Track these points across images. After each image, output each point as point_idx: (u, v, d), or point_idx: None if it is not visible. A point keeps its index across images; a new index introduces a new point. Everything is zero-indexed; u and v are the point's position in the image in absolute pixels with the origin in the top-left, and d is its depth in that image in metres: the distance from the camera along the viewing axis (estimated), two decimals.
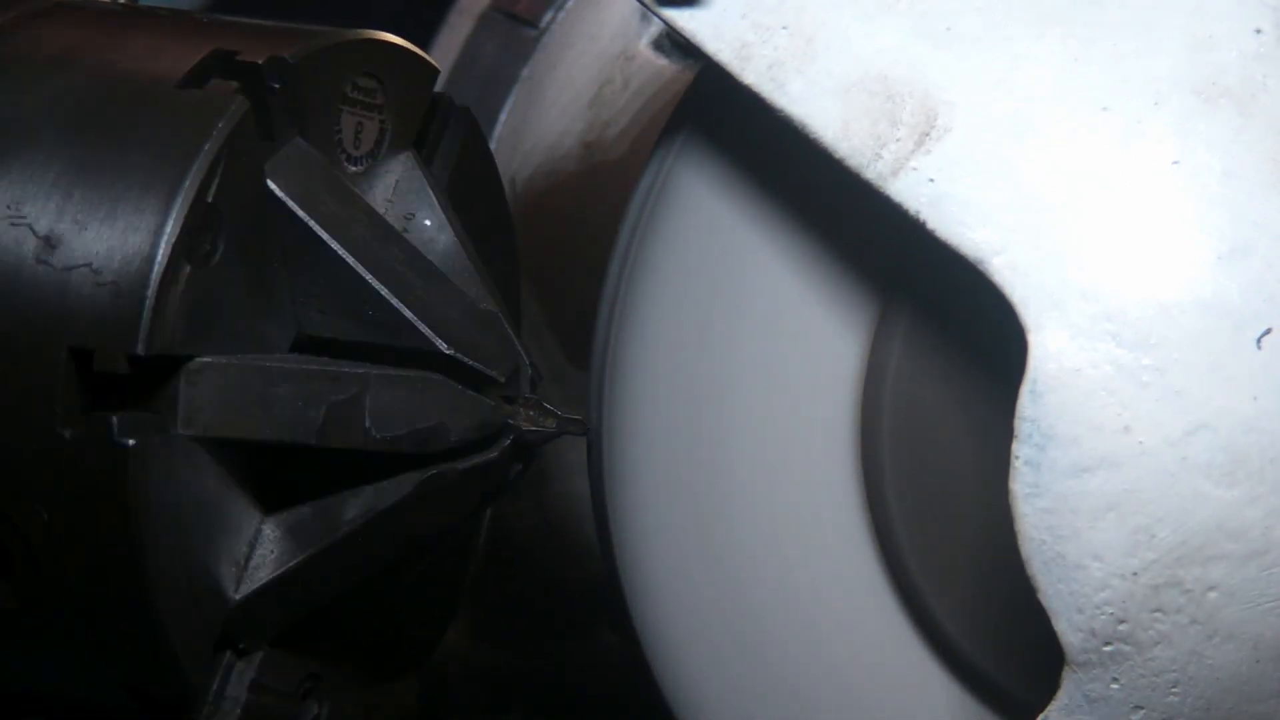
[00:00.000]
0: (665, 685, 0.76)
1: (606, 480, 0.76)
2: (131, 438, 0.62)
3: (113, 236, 0.63)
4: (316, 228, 0.67)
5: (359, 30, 0.72)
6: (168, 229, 0.63)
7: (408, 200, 0.73)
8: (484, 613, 1.11)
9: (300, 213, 0.67)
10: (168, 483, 0.64)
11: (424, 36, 1.18)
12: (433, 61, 0.76)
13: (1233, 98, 0.62)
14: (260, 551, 0.69)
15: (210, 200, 0.64)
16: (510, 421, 0.68)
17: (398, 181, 0.74)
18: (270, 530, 0.69)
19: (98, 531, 0.63)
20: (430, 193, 0.73)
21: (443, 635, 0.81)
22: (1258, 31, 0.63)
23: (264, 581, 0.69)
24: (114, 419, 0.62)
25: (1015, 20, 0.64)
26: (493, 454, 0.68)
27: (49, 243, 0.63)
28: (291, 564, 0.69)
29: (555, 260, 1.07)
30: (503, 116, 1.11)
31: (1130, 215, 0.61)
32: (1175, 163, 0.61)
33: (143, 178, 0.64)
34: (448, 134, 0.77)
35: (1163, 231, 0.61)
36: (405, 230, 0.73)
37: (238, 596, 0.68)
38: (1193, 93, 0.62)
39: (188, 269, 0.63)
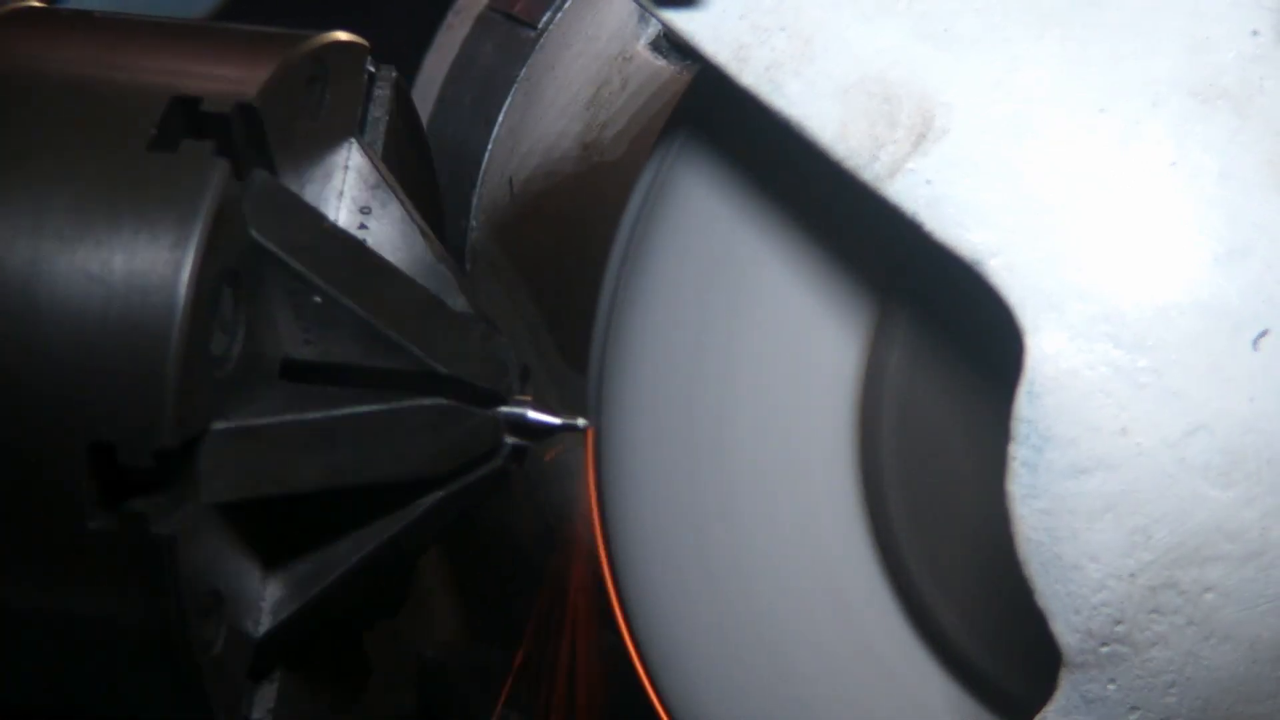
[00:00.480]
0: (663, 686, 0.76)
1: (604, 481, 0.76)
2: (167, 529, 0.61)
3: (125, 325, 0.61)
4: (302, 269, 0.66)
5: (299, 35, 0.70)
6: (181, 312, 0.61)
7: (361, 193, 0.73)
8: (482, 613, 1.11)
9: (285, 256, 0.66)
10: (197, 554, 0.64)
11: (422, 37, 1.18)
12: (363, 42, 0.75)
13: (1230, 99, 0.62)
14: (271, 591, 0.69)
15: (208, 266, 0.62)
16: (509, 424, 0.68)
17: (347, 172, 0.73)
18: (278, 575, 0.69)
19: (138, 616, 0.63)
20: (384, 182, 0.73)
21: (394, 638, 0.81)
22: (1255, 33, 0.63)
23: (278, 621, 0.69)
24: (147, 510, 0.61)
25: (1013, 22, 0.64)
26: (496, 463, 0.68)
27: (63, 334, 0.62)
28: (303, 601, 0.69)
29: (553, 261, 1.07)
30: (500, 117, 1.11)
31: (1128, 217, 0.61)
32: (1173, 164, 0.61)
33: (146, 260, 0.61)
34: (375, 98, 0.76)
35: (1160, 233, 0.61)
36: (363, 225, 0.73)
37: (258, 635, 0.68)
38: (1190, 94, 0.62)
39: (203, 348, 0.62)
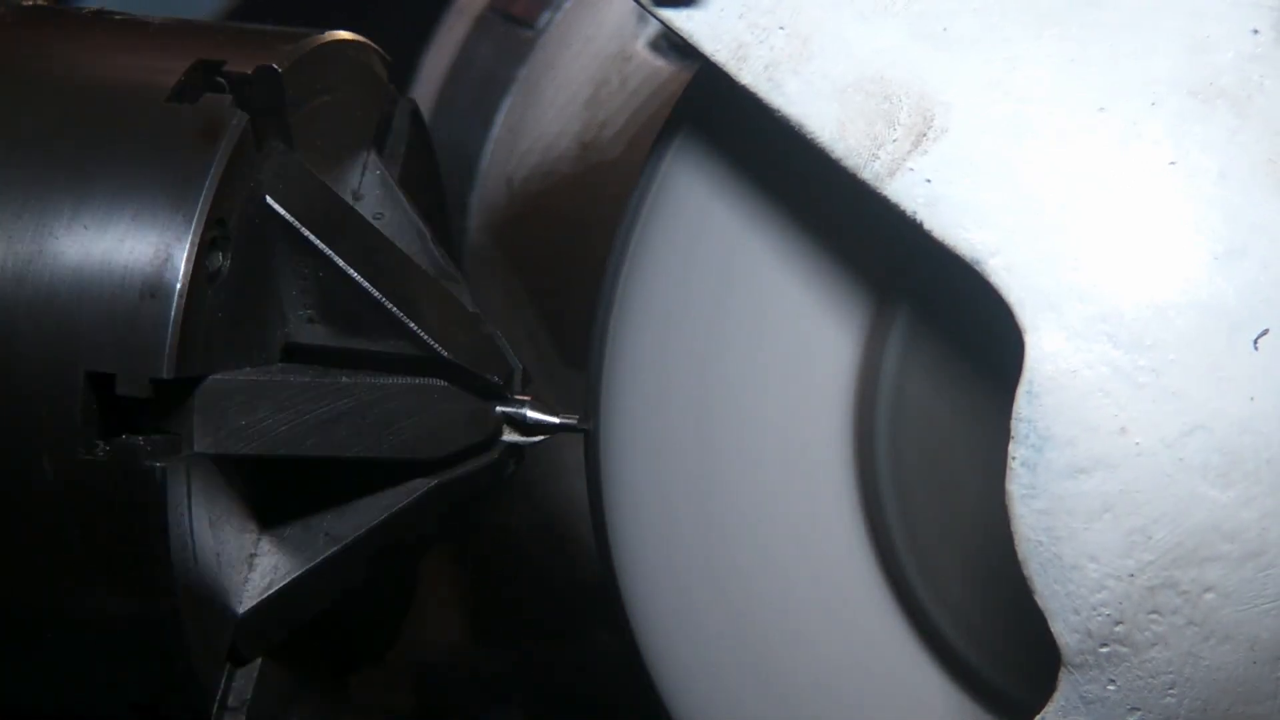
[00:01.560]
0: (661, 686, 0.76)
1: (603, 481, 0.76)
2: (158, 461, 0.62)
3: (127, 258, 0.63)
4: (313, 239, 0.67)
5: (313, 31, 0.71)
6: (185, 251, 0.62)
7: (374, 200, 0.74)
8: (481, 614, 1.11)
9: (297, 224, 0.67)
10: (185, 501, 0.64)
11: (421, 37, 1.18)
12: (383, 53, 0.76)
13: (1229, 99, 0.62)
14: (262, 563, 0.69)
15: (221, 219, 0.64)
16: (507, 422, 0.68)
17: (363, 181, 0.74)
18: (272, 542, 0.69)
19: (122, 551, 0.63)
20: (397, 192, 0.73)
21: (400, 629, 0.82)
22: (1255, 32, 0.63)
23: (268, 594, 0.69)
24: (140, 441, 0.62)
25: (1012, 21, 0.64)
26: (493, 456, 0.68)
27: (63, 268, 0.63)
28: (296, 575, 0.69)
29: (552, 261, 1.07)
30: (499, 117, 1.11)
31: (1127, 216, 0.61)
32: (1172, 164, 0.61)
33: (154, 199, 0.63)
34: (395, 129, 0.77)
35: (1159, 233, 0.61)
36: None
37: (242, 610, 0.68)
38: (1190, 94, 0.62)
39: (205, 289, 0.63)
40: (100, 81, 0.67)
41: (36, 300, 0.63)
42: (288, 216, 0.67)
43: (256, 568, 0.69)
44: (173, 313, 0.62)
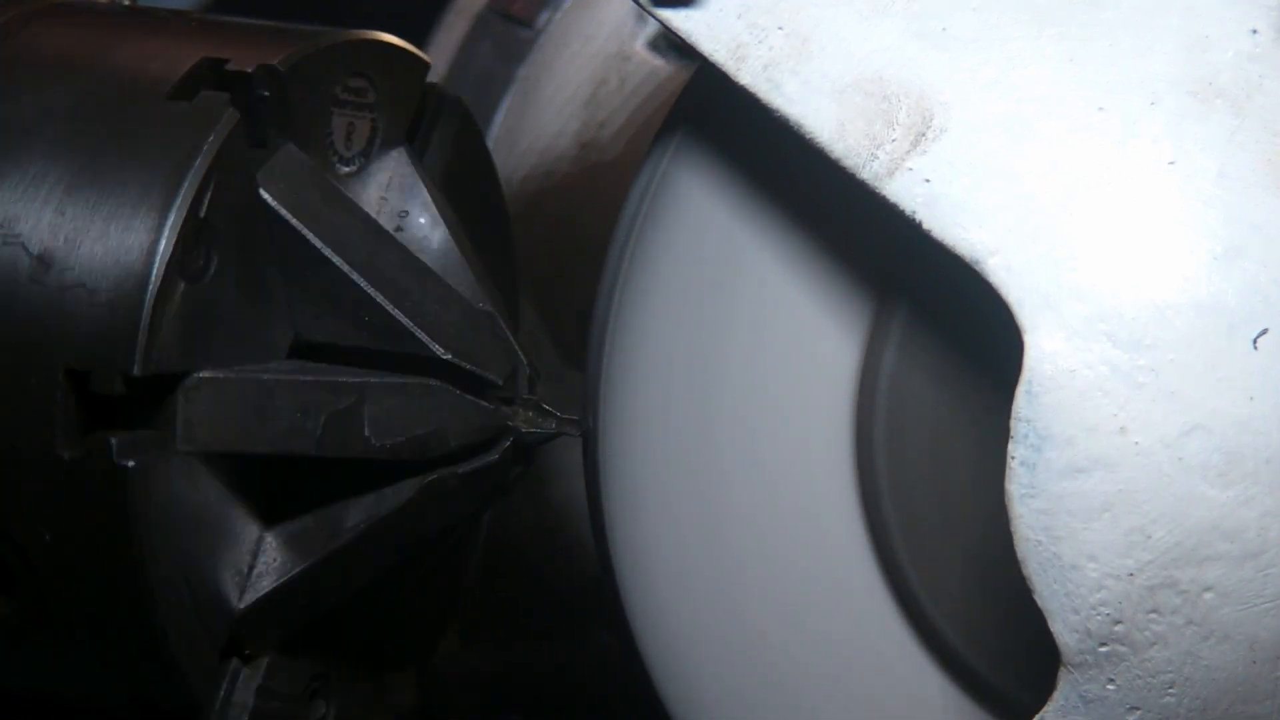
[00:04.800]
0: (661, 686, 0.76)
1: (602, 481, 0.76)
2: (131, 459, 0.62)
3: (106, 255, 0.63)
4: (309, 234, 0.67)
5: (348, 30, 0.71)
6: (160, 247, 0.62)
7: (401, 197, 0.74)
8: (480, 614, 1.11)
9: (293, 220, 0.67)
10: (167, 499, 0.64)
11: (420, 36, 1.18)
12: (424, 56, 0.76)
13: (1228, 98, 0.62)
14: (263, 560, 0.69)
15: (203, 215, 0.63)
16: (509, 424, 0.68)
17: (391, 179, 0.74)
18: (272, 540, 0.69)
19: (100, 549, 0.63)
20: (424, 189, 0.73)
21: (444, 633, 0.81)
22: (1254, 32, 0.62)
23: (267, 590, 0.69)
24: (113, 440, 0.62)
25: (1011, 21, 0.63)
26: (493, 457, 0.68)
27: (42, 262, 0.63)
28: (294, 572, 0.69)
29: (551, 261, 1.07)
30: (498, 117, 1.11)
31: (1126, 216, 0.61)
32: (1171, 163, 0.61)
33: (136, 194, 0.63)
34: (440, 126, 0.77)
35: (1158, 232, 0.61)
36: (399, 229, 0.73)
37: (241, 606, 0.68)
38: (1188, 93, 0.62)
39: (182, 285, 0.63)
40: (108, 76, 0.67)
41: (18, 295, 0.63)
42: (284, 213, 0.67)
43: (258, 565, 0.69)
44: (146, 308, 0.62)
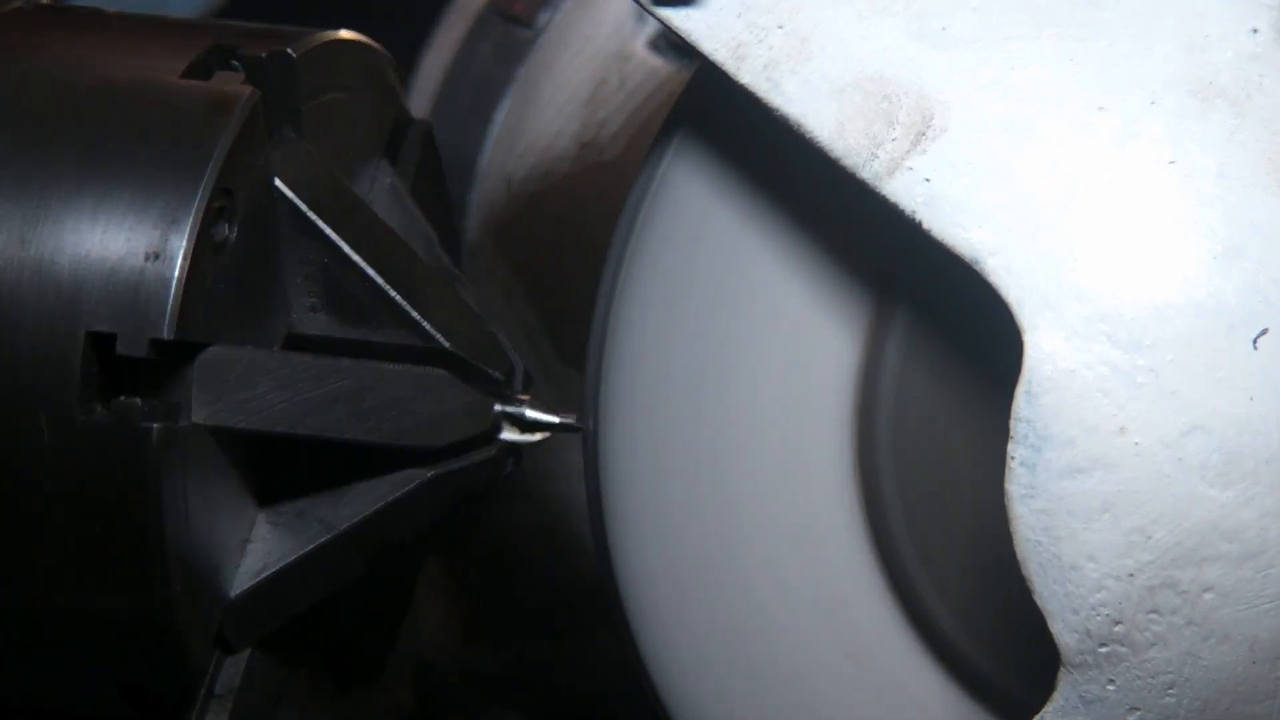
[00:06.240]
0: (661, 686, 0.76)
1: (602, 481, 0.76)
2: (155, 422, 0.62)
3: (134, 222, 0.63)
4: (320, 223, 0.67)
5: (323, 31, 0.72)
6: (191, 216, 0.63)
7: (382, 207, 0.74)
8: (480, 614, 1.11)
9: (304, 208, 0.67)
10: (180, 471, 0.64)
11: (420, 36, 1.18)
12: (394, 60, 0.76)
13: (1228, 98, 0.62)
14: (255, 547, 0.69)
15: (228, 188, 0.64)
16: (506, 420, 0.68)
17: (373, 187, 0.74)
18: (265, 526, 0.69)
19: (116, 517, 0.63)
20: (407, 200, 0.74)
21: (394, 641, 0.81)
22: (1254, 31, 0.62)
23: (259, 579, 0.69)
24: (139, 404, 0.62)
25: (1011, 21, 0.63)
26: (490, 452, 0.68)
27: (68, 230, 0.63)
28: (285, 562, 0.69)
29: (551, 260, 1.07)
30: (498, 117, 1.11)
31: (1125, 216, 0.61)
32: (1171, 163, 0.61)
33: (162, 166, 0.64)
34: (406, 148, 0.77)
35: (1158, 232, 0.61)
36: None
37: (233, 593, 0.68)
38: (1188, 93, 0.62)
39: (208, 256, 0.63)
40: (117, 65, 0.67)
41: (41, 261, 0.63)
42: (295, 200, 0.67)
43: (249, 552, 0.69)
44: (176, 274, 0.62)
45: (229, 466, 0.67)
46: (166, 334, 0.62)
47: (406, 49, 1.15)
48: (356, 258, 0.68)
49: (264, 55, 0.66)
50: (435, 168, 0.80)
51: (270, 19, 0.73)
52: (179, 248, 0.62)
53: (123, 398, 0.62)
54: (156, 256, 0.62)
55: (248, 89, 0.65)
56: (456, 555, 1.11)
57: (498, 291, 1.09)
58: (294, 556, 0.69)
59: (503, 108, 1.11)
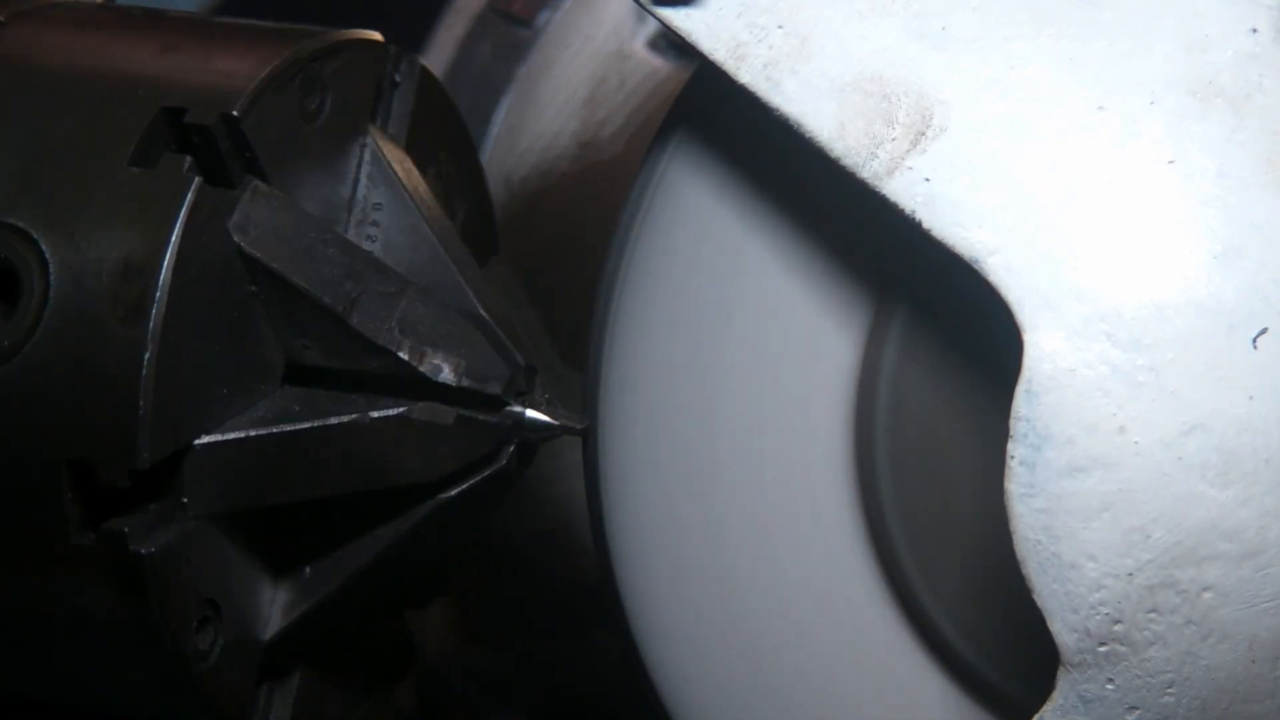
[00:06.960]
0: (661, 686, 0.76)
1: (602, 481, 0.76)
2: (146, 546, 0.62)
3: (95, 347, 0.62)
4: (292, 278, 0.66)
5: (304, 34, 0.70)
6: (147, 344, 0.61)
7: (375, 190, 0.73)
8: (480, 614, 1.11)
9: (272, 265, 0.66)
10: (184, 565, 0.64)
11: (420, 36, 1.18)
12: (374, 36, 0.75)
13: (1228, 98, 0.62)
14: (281, 598, 0.69)
15: (185, 282, 0.63)
16: (512, 424, 0.68)
17: (360, 168, 0.73)
18: (286, 577, 0.69)
19: (123, 623, 0.63)
20: (397, 180, 0.73)
21: (412, 654, 0.81)
22: (1254, 31, 0.62)
23: (294, 618, 0.69)
24: (125, 529, 0.62)
25: (1010, 20, 0.63)
26: (500, 464, 0.68)
27: (32, 350, 0.62)
28: (310, 604, 0.69)
29: (550, 260, 1.07)
30: (498, 116, 1.11)
31: (1125, 215, 0.61)
32: (1170, 163, 0.61)
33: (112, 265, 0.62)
34: (400, 90, 0.76)
35: (1157, 232, 0.61)
36: (374, 222, 0.72)
37: (268, 636, 0.68)
38: (1188, 93, 0.62)
39: (172, 363, 0.62)
40: (70, 127, 0.65)
41: (17, 388, 0.62)
42: (258, 255, 0.66)
43: (276, 603, 0.69)
44: (145, 399, 0.61)
45: (240, 536, 0.67)
46: (145, 463, 0.61)
47: (407, 49, 1.14)
48: (334, 309, 0.67)
49: (210, 124, 0.64)
50: (436, 102, 0.78)
51: (270, 18, 0.73)
52: (143, 372, 0.61)
53: (113, 520, 0.62)
54: (124, 380, 0.61)
55: (189, 180, 0.63)
56: (457, 556, 1.11)
57: (497, 291, 1.08)
58: (319, 596, 0.69)
59: (502, 107, 1.11)
